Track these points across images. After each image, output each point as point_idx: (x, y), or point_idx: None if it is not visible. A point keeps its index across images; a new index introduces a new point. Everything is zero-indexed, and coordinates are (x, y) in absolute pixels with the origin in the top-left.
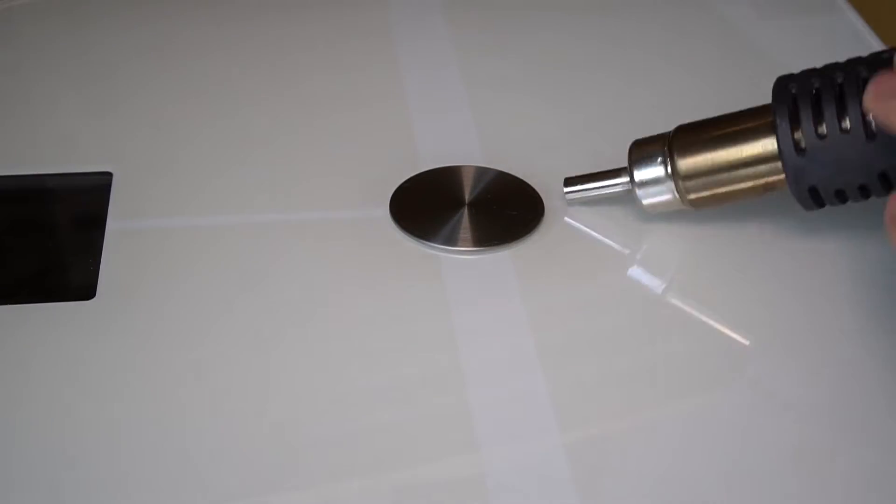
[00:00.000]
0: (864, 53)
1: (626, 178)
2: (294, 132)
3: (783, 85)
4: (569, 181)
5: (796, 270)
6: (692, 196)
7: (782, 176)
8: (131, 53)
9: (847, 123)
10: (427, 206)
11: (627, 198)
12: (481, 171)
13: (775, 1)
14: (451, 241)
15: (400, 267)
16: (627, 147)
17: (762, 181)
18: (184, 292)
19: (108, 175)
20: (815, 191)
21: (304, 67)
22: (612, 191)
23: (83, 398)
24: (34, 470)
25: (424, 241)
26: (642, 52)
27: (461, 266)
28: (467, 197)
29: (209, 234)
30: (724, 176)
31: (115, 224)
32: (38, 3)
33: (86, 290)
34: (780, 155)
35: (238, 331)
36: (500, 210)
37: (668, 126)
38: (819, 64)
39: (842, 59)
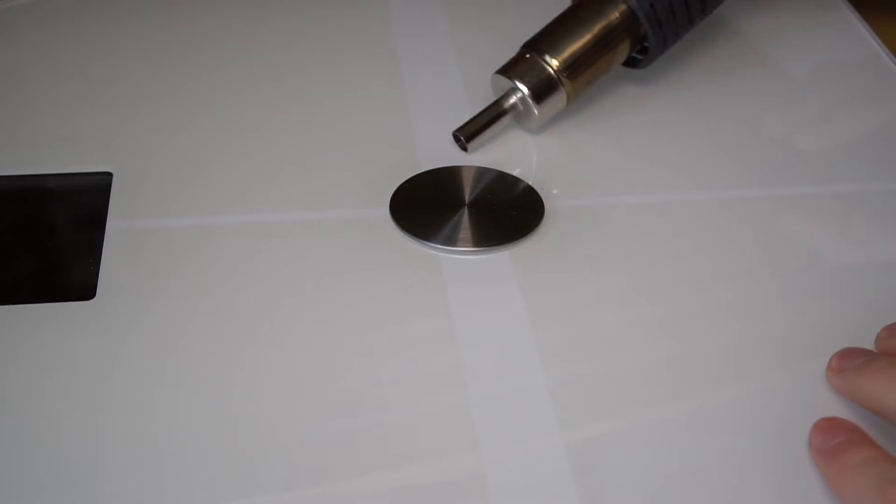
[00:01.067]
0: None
1: (513, 99)
2: (294, 132)
3: None
4: (458, 131)
5: (799, 267)
6: (571, 84)
7: (630, 30)
8: (131, 53)
9: None
10: (427, 206)
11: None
12: (481, 171)
13: (775, 1)
14: (451, 241)
15: (400, 267)
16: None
17: (618, 39)
18: (184, 292)
19: (108, 175)
20: (654, 8)
21: (305, 67)
22: (501, 121)
23: (83, 398)
24: (34, 470)
25: (424, 241)
26: None
27: (461, 266)
28: (467, 197)
29: (209, 234)
30: (590, 49)
31: (115, 224)
32: (38, 3)
33: (86, 290)
34: None
35: (238, 330)
36: (500, 210)
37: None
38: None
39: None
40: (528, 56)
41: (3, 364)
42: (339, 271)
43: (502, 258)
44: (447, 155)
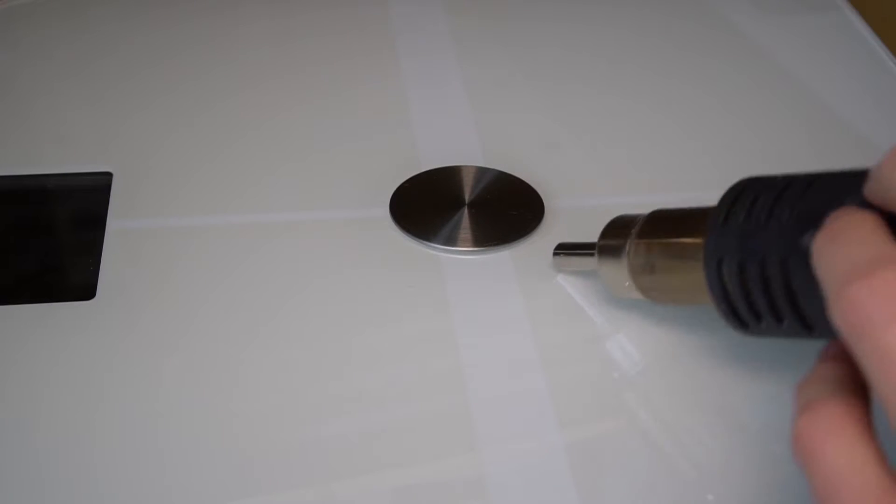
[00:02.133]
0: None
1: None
2: (294, 132)
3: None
4: (557, 247)
5: None
6: (651, 294)
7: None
8: (131, 53)
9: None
10: (427, 206)
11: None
12: (481, 171)
13: (776, 1)
14: (451, 241)
15: (400, 267)
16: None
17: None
18: (183, 292)
19: (108, 175)
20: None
21: (305, 68)
22: (591, 258)
23: (83, 398)
24: (34, 469)
25: (424, 241)
26: (643, 50)
27: (461, 266)
28: (467, 197)
29: (209, 234)
30: (666, 254)
31: (115, 224)
32: (38, 3)
33: (86, 290)
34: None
35: (238, 330)
36: (500, 210)
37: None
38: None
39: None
40: (627, 243)
41: (3, 364)
42: (339, 271)
43: (502, 258)
44: (447, 155)
